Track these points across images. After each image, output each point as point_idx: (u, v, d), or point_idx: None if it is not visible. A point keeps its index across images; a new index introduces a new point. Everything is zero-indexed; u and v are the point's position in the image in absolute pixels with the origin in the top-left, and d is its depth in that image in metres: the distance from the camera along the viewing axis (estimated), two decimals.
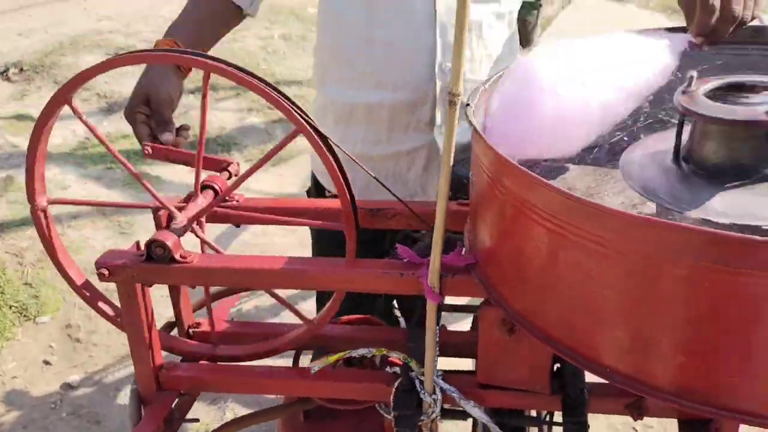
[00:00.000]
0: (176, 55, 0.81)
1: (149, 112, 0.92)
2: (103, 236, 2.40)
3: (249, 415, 0.97)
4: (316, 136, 0.75)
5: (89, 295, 0.90)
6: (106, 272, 0.80)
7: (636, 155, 0.70)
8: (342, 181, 0.77)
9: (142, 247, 0.82)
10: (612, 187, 0.72)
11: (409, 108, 1.07)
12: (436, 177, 1.15)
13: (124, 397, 1.86)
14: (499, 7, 1.06)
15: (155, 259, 0.80)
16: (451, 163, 0.67)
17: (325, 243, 1.21)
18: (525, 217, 0.60)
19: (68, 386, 1.89)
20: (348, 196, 0.78)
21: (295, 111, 0.74)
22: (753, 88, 0.64)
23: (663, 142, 0.70)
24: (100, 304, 0.91)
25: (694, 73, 0.64)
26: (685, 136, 0.66)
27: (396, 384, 0.84)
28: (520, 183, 0.60)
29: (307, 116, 0.75)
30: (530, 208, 0.59)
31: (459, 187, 1.02)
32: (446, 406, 0.86)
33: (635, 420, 0.81)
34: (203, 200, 0.86)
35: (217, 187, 0.90)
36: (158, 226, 0.92)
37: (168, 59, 0.86)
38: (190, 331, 1.01)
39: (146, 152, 0.88)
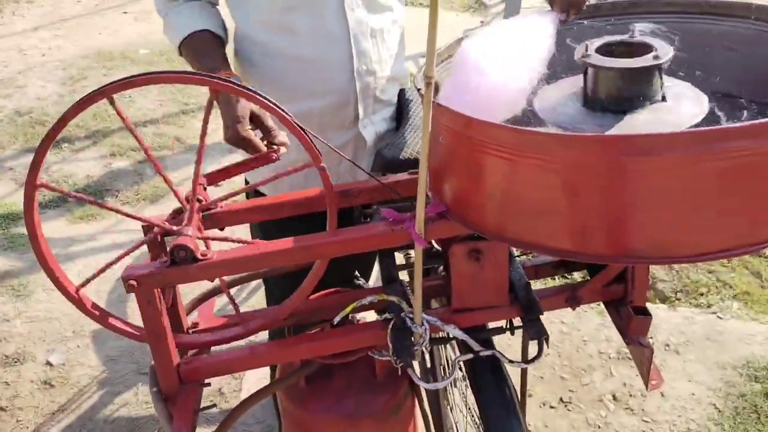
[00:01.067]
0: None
1: (254, 126, 1.04)
2: None
3: (262, 390, 1.11)
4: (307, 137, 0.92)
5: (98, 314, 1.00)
6: (135, 283, 0.91)
7: (545, 103, 0.95)
8: (327, 178, 0.94)
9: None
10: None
11: (336, 109, 1.26)
12: (364, 165, 1.36)
13: None
14: (393, 15, 1.28)
15: (179, 262, 0.92)
16: (429, 131, 0.87)
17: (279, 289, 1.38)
18: (484, 154, 0.82)
19: None
20: (330, 185, 0.95)
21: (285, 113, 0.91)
22: (628, 45, 0.91)
23: (559, 91, 0.96)
24: (112, 321, 1.01)
25: (589, 42, 0.91)
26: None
27: (390, 325, 1.03)
28: (479, 129, 0.81)
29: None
30: (487, 146, 0.80)
31: (388, 166, 1.23)
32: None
33: (573, 308, 1.07)
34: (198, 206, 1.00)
35: (201, 198, 1.03)
36: (151, 244, 1.04)
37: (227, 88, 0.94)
38: (190, 331, 1.12)
39: (277, 158, 1.05)
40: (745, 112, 0.96)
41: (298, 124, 0.88)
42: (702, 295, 2.56)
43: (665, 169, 0.71)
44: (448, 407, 1.54)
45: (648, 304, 2.37)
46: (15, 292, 2.32)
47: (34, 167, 0.85)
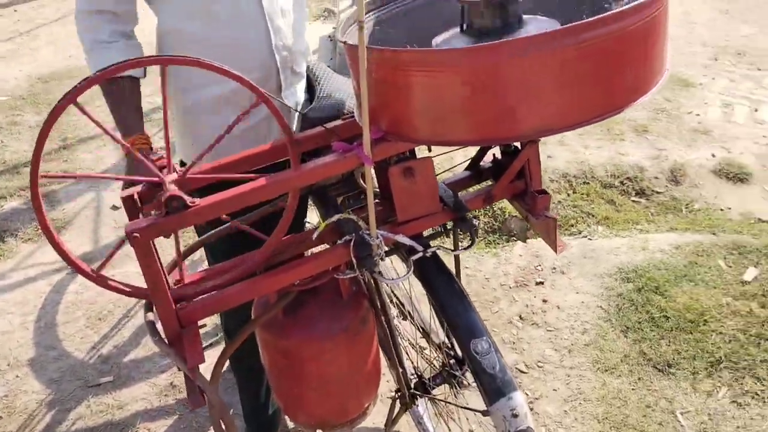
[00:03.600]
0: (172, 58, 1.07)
1: None
2: None
3: (246, 326, 1.28)
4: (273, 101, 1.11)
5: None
6: (138, 235, 1.06)
7: (441, 42, 1.21)
8: (285, 123, 1.13)
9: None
10: None
11: (261, 83, 1.44)
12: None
13: None
14: None
15: (172, 211, 1.08)
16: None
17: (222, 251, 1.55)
18: (408, 76, 1.04)
19: None
20: (289, 130, 1.15)
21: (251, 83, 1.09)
22: None
23: (451, 34, 1.23)
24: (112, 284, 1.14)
25: None
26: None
27: (352, 242, 1.24)
28: (404, 56, 1.05)
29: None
30: (410, 69, 1.04)
31: (317, 124, 1.44)
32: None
33: (489, 205, 1.33)
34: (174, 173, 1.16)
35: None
36: (131, 208, 1.19)
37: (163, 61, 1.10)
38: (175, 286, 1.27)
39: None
40: None
41: (260, 89, 1.07)
42: (572, 225, 2.97)
43: (540, 61, 0.97)
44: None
45: (531, 241, 2.72)
46: None
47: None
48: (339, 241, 1.27)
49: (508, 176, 1.32)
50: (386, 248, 1.29)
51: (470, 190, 1.41)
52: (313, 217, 2.31)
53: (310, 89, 1.60)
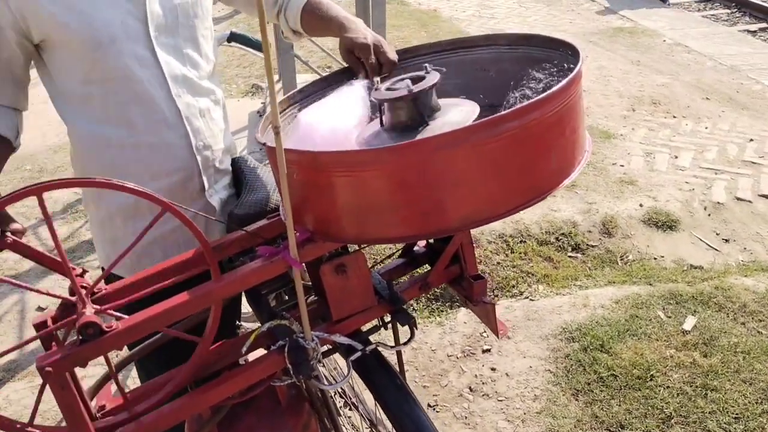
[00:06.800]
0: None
1: None
2: None
3: None
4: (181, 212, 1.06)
5: None
6: (51, 369, 0.97)
7: (362, 141, 1.19)
8: (200, 233, 1.08)
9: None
10: None
11: (183, 184, 1.40)
12: (218, 234, 1.50)
13: None
14: (215, 96, 1.46)
15: (88, 339, 1.00)
16: (285, 172, 1.05)
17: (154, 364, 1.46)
18: (331, 177, 1.02)
19: None
20: (206, 241, 1.09)
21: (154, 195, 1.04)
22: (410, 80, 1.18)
23: (371, 128, 1.21)
24: None
25: (379, 82, 1.16)
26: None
27: (286, 347, 1.18)
28: (324, 159, 1.02)
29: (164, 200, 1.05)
30: (332, 171, 1.01)
31: (241, 223, 1.40)
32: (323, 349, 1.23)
33: (426, 293, 1.30)
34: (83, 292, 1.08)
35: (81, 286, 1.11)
36: (44, 338, 1.10)
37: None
38: (98, 414, 1.17)
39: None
40: None
41: (163, 200, 1.02)
42: (513, 286, 2.97)
43: (460, 154, 0.97)
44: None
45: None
46: None
47: None
48: (273, 347, 1.21)
49: (442, 263, 1.29)
50: (325, 348, 1.24)
51: (407, 277, 1.38)
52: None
53: (238, 184, 1.55)
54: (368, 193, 1.02)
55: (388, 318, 1.30)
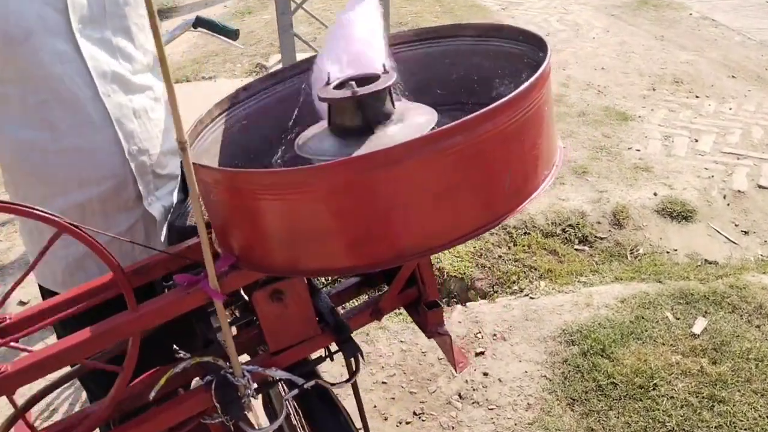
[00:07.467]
0: None
1: None
2: None
3: None
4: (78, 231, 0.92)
5: None
6: None
7: (305, 142, 1.04)
8: (109, 257, 0.95)
9: None
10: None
11: (115, 193, 1.27)
12: (158, 241, 1.37)
13: None
14: (153, 93, 1.32)
15: None
16: (198, 197, 0.91)
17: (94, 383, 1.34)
18: (254, 200, 0.88)
19: None
20: (117, 266, 0.96)
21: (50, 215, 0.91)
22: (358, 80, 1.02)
23: (318, 129, 1.06)
24: None
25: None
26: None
27: (213, 385, 1.05)
28: (243, 178, 0.88)
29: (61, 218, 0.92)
30: (254, 192, 0.87)
31: (182, 235, 1.26)
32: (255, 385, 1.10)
33: (378, 320, 1.15)
34: None
35: None
36: None
37: None
38: None
39: None
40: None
41: (69, 222, 0.88)
42: (514, 282, 2.81)
43: (398, 176, 0.82)
44: None
45: (470, 303, 2.56)
46: None
47: None
48: (201, 382, 1.08)
49: (395, 286, 1.15)
50: (272, 378, 1.11)
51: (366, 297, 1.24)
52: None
53: (186, 188, 1.41)
54: (296, 218, 0.88)
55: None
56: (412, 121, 1.01)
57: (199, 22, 1.83)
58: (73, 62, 1.17)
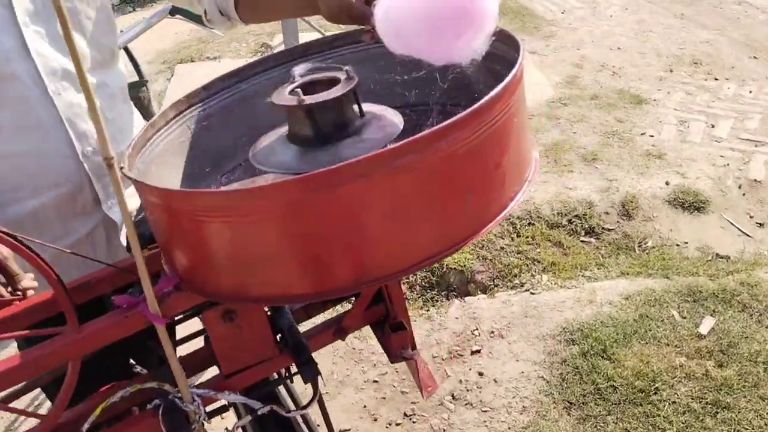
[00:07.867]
0: None
1: None
2: None
3: None
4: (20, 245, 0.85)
5: None
6: None
7: (262, 151, 0.96)
8: (48, 271, 0.88)
9: None
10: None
11: (71, 198, 1.19)
12: (122, 250, 1.30)
13: None
14: (109, 90, 1.23)
15: None
16: (133, 218, 0.84)
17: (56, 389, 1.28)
18: (192, 221, 0.81)
19: None
20: (57, 281, 0.89)
21: None
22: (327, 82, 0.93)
23: (275, 137, 0.98)
24: None
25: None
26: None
27: (160, 411, 0.98)
28: (179, 199, 0.80)
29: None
30: (196, 213, 0.80)
31: (146, 241, 1.19)
32: (209, 409, 1.03)
33: (342, 339, 1.08)
34: None
35: None
36: None
37: None
38: None
39: None
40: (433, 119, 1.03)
41: (5, 232, 0.81)
42: (515, 276, 2.72)
43: (345, 198, 0.73)
44: None
45: (469, 297, 2.47)
46: None
47: None
48: (149, 406, 1.01)
49: (361, 303, 1.07)
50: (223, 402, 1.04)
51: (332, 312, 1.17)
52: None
53: None
54: (238, 242, 0.80)
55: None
56: (370, 134, 0.93)
57: (176, 10, 1.75)
58: (20, 60, 1.09)
